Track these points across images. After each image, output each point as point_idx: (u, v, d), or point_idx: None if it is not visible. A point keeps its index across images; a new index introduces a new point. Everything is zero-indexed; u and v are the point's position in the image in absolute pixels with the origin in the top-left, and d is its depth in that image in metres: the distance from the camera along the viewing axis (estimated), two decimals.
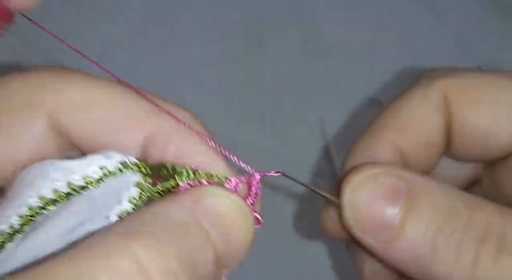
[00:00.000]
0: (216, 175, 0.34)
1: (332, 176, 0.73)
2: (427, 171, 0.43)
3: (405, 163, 0.41)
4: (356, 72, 0.76)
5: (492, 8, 0.79)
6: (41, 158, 0.36)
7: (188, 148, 0.35)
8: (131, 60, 0.75)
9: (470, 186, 0.46)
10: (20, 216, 0.33)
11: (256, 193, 0.35)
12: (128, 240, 0.27)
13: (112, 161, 0.34)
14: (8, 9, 0.36)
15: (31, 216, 0.33)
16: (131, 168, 0.34)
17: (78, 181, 0.33)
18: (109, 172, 0.34)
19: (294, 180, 0.38)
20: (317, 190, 0.38)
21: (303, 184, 0.38)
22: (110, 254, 0.26)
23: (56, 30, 0.77)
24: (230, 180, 0.34)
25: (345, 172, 0.39)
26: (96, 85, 0.37)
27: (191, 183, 0.33)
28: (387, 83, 0.75)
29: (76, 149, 0.37)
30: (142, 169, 0.34)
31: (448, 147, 0.42)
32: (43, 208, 0.33)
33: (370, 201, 0.35)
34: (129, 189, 0.33)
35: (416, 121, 0.41)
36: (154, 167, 0.35)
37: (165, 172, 0.34)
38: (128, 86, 0.37)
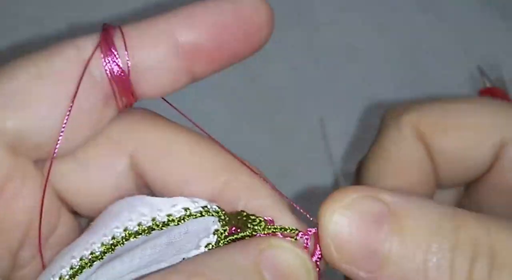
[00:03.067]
0: (290, 228, 0.35)
1: None
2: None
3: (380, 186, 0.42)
4: (356, 72, 0.76)
5: (492, 8, 0.79)
6: (121, 194, 0.38)
7: (257, 203, 0.36)
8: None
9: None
10: (103, 244, 0.35)
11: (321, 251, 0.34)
12: (189, 279, 0.29)
13: (196, 205, 0.35)
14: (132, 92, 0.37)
15: (113, 245, 0.35)
16: (212, 214, 0.35)
17: (162, 217, 0.35)
18: (191, 214, 0.35)
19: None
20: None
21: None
22: None
23: (56, 30, 0.77)
24: (301, 234, 0.35)
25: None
26: (176, 132, 0.38)
27: (266, 235, 0.35)
28: (388, 84, 0.76)
29: (149, 190, 0.39)
30: (222, 216, 0.35)
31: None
32: (126, 239, 0.35)
33: (351, 229, 0.33)
34: (208, 235, 0.34)
35: (406, 161, 0.42)
36: (232, 216, 0.36)
37: (241, 222, 0.35)
38: (206, 135, 0.39)
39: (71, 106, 0.35)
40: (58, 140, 0.35)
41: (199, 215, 0.35)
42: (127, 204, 0.37)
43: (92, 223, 0.37)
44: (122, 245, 0.35)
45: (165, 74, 0.37)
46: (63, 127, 0.35)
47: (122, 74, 0.35)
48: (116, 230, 0.36)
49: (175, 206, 0.35)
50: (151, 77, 0.36)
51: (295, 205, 0.37)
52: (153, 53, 0.36)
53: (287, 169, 0.72)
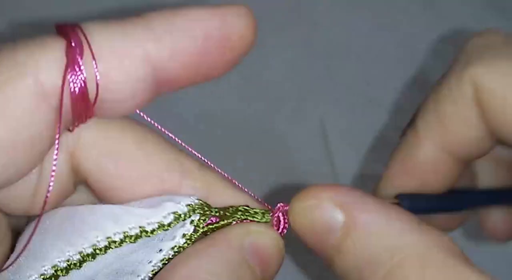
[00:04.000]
0: (263, 211, 0.38)
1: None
2: (482, 154, 0.43)
3: (453, 156, 0.41)
4: (356, 72, 0.76)
5: (492, 8, 0.79)
6: (60, 192, 0.35)
7: (218, 199, 0.37)
8: None
9: None
10: (80, 253, 0.34)
11: (285, 226, 0.38)
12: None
13: (181, 205, 0.35)
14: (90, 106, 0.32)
15: (92, 255, 0.34)
16: (197, 210, 0.35)
17: (150, 226, 0.34)
18: (179, 215, 0.35)
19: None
20: None
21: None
22: None
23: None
24: (273, 214, 0.38)
25: (392, 174, 0.43)
26: (121, 127, 0.36)
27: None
28: (388, 84, 0.76)
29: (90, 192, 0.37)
30: (206, 208, 0.36)
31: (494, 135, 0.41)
32: (107, 247, 0.34)
33: (304, 234, 0.36)
34: (184, 225, 0.35)
35: (457, 117, 0.41)
36: (220, 211, 0.37)
37: (221, 212, 0.37)
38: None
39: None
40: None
41: (188, 216, 0.35)
42: (107, 213, 0.35)
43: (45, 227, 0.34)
44: (103, 254, 0.34)
45: (129, 94, 0.33)
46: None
47: (84, 94, 0.31)
48: (95, 239, 0.34)
49: (163, 213, 0.34)
50: (115, 97, 0.32)
51: (257, 198, 0.39)
52: (121, 72, 0.32)
53: (287, 169, 0.72)
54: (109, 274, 0.34)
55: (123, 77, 0.32)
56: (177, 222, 0.35)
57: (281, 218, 0.38)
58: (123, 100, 0.33)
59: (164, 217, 0.34)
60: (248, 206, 0.38)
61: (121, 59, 0.32)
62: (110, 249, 0.34)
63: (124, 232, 0.34)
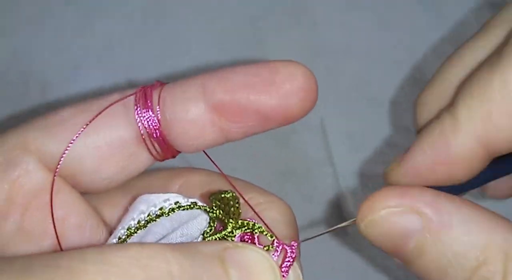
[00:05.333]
0: (268, 233, 0.38)
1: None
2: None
3: (489, 153, 0.37)
4: (356, 72, 0.76)
5: (492, 8, 0.79)
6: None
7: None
8: (131, 60, 0.75)
9: None
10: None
11: (291, 259, 0.37)
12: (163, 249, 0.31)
13: (186, 200, 0.39)
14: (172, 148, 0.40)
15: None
16: (199, 208, 0.38)
17: (155, 211, 0.38)
18: (180, 206, 0.38)
19: (315, 236, 0.41)
20: (332, 228, 0.41)
21: (324, 233, 0.42)
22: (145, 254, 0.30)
23: (56, 30, 0.77)
24: (278, 242, 0.38)
25: (422, 157, 0.38)
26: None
27: (245, 237, 0.38)
28: (387, 84, 0.76)
29: None
30: (209, 210, 0.39)
31: None
32: (128, 236, 0.38)
33: (380, 242, 0.36)
34: (197, 237, 0.38)
35: (505, 111, 0.36)
36: (217, 202, 0.39)
37: (224, 210, 0.38)
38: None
39: (84, 127, 0.38)
40: (63, 154, 0.38)
41: (188, 207, 0.38)
42: (133, 204, 0.40)
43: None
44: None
45: (197, 130, 0.39)
46: (70, 144, 0.38)
47: (153, 128, 0.38)
48: (122, 231, 0.38)
49: (167, 201, 0.38)
50: (184, 133, 0.39)
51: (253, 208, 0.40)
52: (184, 110, 0.38)
53: (287, 169, 0.72)
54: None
55: (184, 112, 0.38)
56: (178, 210, 0.38)
57: (288, 251, 0.37)
58: (190, 133, 0.39)
59: (169, 204, 0.38)
60: (254, 222, 0.39)
61: (183, 99, 0.38)
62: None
63: (138, 221, 0.38)
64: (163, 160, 0.41)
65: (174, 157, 0.41)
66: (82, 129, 0.38)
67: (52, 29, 0.75)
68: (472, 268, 0.33)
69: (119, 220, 0.40)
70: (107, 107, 0.38)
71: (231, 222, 0.38)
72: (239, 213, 0.39)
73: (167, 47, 0.76)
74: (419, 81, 0.75)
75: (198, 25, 0.77)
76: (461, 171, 0.39)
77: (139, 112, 0.38)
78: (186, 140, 0.39)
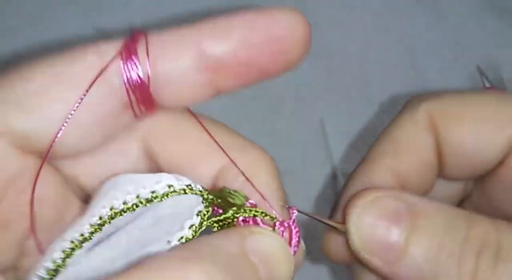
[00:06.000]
0: (270, 215, 0.37)
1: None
2: (424, 194, 0.44)
3: (403, 187, 0.42)
4: (356, 72, 0.76)
5: (492, 8, 0.79)
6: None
7: (251, 187, 0.38)
8: None
9: (461, 202, 0.49)
10: (91, 225, 0.36)
11: (297, 240, 0.38)
12: (185, 265, 0.29)
13: (180, 182, 0.37)
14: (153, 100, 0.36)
15: (100, 225, 0.36)
16: (195, 193, 0.37)
17: (146, 194, 0.36)
18: (175, 190, 0.36)
19: (306, 214, 0.41)
20: (323, 220, 0.41)
21: (311, 217, 0.41)
22: (168, 275, 0.29)
23: (55, 30, 0.77)
24: (279, 223, 0.38)
25: (347, 198, 0.41)
26: (184, 117, 0.39)
27: (247, 218, 0.37)
28: (387, 84, 0.76)
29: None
30: (205, 196, 0.37)
31: (440, 168, 0.44)
32: (112, 217, 0.36)
33: (374, 224, 0.37)
34: (191, 217, 0.36)
35: (410, 145, 0.43)
36: (214, 192, 0.38)
37: (223, 197, 0.37)
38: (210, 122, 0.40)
39: (75, 109, 0.35)
40: (55, 138, 0.35)
41: (183, 192, 0.36)
42: (114, 183, 0.37)
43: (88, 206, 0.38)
44: (109, 223, 0.36)
45: (187, 86, 0.36)
46: (63, 126, 0.35)
47: (141, 83, 0.35)
48: (103, 210, 0.36)
49: (159, 183, 0.36)
50: (172, 88, 0.36)
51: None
52: (176, 64, 0.35)
53: (286, 169, 0.72)
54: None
55: (176, 69, 0.35)
56: (171, 194, 0.36)
57: (292, 226, 0.38)
58: (180, 91, 0.36)
59: (160, 187, 0.36)
60: (254, 206, 0.37)
61: (175, 54, 0.35)
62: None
63: (124, 202, 0.36)
64: (141, 118, 0.38)
65: (153, 114, 0.38)
66: (72, 112, 0.34)
67: (52, 29, 0.75)
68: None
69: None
70: (93, 82, 0.34)
71: (233, 210, 0.37)
72: (244, 204, 0.38)
73: None
74: (418, 81, 0.75)
75: None
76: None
77: (126, 70, 0.34)
78: (175, 99, 0.36)
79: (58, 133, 0.34)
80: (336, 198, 0.45)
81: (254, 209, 0.37)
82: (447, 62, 0.76)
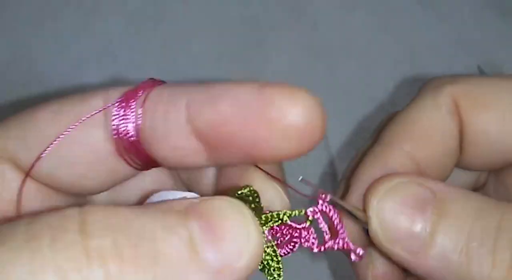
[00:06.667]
0: (296, 211, 0.35)
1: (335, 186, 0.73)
2: (442, 179, 0.41)
3: (421, 174, 0.39)
4: (356, 72, 0.76)
5: (492, 8, 0.79)
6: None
7: (259, 185, 0.35)
8: (131, 60, 0.75)
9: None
10: None
11: (337, 216, 0.35)
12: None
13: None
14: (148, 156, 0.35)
15: None
16: None
17: None
18: None
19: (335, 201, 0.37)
20: (344, 205, 0.37)
21: (341, 205, 0.37)
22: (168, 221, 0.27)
23: (56, 30, 0.77)
24: (311, 211, 0.35)
25: (364, 184, 0.38)
26: None
27: (276, 230, 0.35)
28: (387, 84, 0.75)
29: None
30: None
31: (460, 157, 0.41)
32: None
33: (397, 211, 0.34)
34: None
35: (431, 130, 0.40)
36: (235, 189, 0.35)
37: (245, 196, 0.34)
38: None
39: (57, 140, 0.35)
40: (36, 160, 0.35)
41: None
42: (159, 196, 0.36)
43: None
44: None
45: (177, 148, 0.34)
46: (45, 152, 0.35)
47: (126, 133, 0.34)
48: None
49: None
50: (161, 146, 0.34)
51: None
52: (163, 123, 0.33)
53: (286, 168, 0.72)
54: None
55: (162, 126, 0.33)
56: None
57: (326, 208, 0.34)
58: (171, 150, 0.34)
59: None
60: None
61: (164, 112, 0.33)
62: None
63: None
64: (149, 169, 0.36)
65: (158, 166, 0.36)
66: (52, 144, 0.34)
67: (52, 29, 0.75)
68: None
69: None
70: (85, 118, 0.34)
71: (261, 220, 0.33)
72: (262, 208, 0.34)
73: (166, 47, 0.76)
74: (418, 81, 0.75)
75: (198, 25, 0.77)
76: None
77: (114, 123, 0.34)
78: (167, 158, 0.35)
79: (39, 156, 0.35)
80: (335, 190, 0.43)
81: (275, 212, 0.34)
82: (447, 62, 0.76)
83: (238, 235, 0.28)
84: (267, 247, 0.34)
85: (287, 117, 0.30)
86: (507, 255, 0.32)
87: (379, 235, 0.35)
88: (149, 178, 0.39)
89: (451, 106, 0.40)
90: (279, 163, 0.38)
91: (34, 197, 0.36)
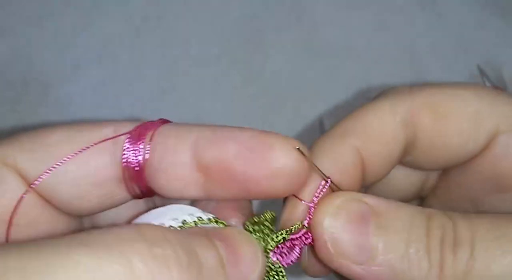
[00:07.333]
0: (296, 225, 0.40)
1: None
2: (379, 178, 0.45)
3: (363, 169, 0.43)
4: (356, 72, 0.76)
5: (492, 8, 0.79)
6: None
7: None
8: (131, 60, 0.75)
9: (421, 190, 0.50)
10: None
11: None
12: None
13: (206, 215, 0.39)
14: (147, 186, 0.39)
15: None
16: (222, 223, 0.39)
17: (177, 224, 0.38)
18: (203, 221, 0.38)
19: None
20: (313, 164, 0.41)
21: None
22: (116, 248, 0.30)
23: (56, 30, 0.77)
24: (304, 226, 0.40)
25: (314, 205, 0.41)
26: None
27: (281, 248, 0.40)
28: (387, 84, 0.75)
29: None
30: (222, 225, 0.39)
31: (408, 157, 0.45)
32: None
33: (343, 228, 0.38)
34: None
35: (382, 133, 0.43)
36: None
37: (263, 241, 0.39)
38: None
39: (67, 158, 0.38)
40: (43, 173, 0.38)
41: (210, 221, 0.38)
42: (167, 209, 0.39)
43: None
44: None
45: (180, 183, 0.38)
46: (52, 168, 0.37)
47: (134, 165, 0.38)
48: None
49: (191, 216, 0.38)
50: (164, 179, 0.38)
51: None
52: (171, 156, 0.38)
53: None
54: None
55: (170, 161, 0.38)
56: (197, 224, 0.38)
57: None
58: (172, 183, 0.38)
59: (191, 220, 0.38)
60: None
61: (173, 149, 0.38)
62: None
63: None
64: (142, 198, 0.40)
65: (152, 196, 0.41)
66: (59, 163, 0.38)
67: (52, 29, 0.75)
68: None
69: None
70: (97, 143, 0.38)
71: (268, 242, 0.38)
72: (273, 230, 0.39)
73: (166, 47, 0.76)
74: (418, 81, 0.75)
75: (198, 25, 0.77)
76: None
77: (125, 154, 0.38)
78: (167, 189, 0.39)
79: (48, 169, 0.38)
80: None
81: (278, 232, 0.39)
82: (447, 62, 0.76)
83: (252, 257, 0.35)
84: (273, 264, 0.39)
85: (279, 162, 0.37)
86: (437, 254, 0.37)
87: (330, 252, 0.38)
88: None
89: (407, 117, 0.43)
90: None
91: (30, 210, 0.38)
